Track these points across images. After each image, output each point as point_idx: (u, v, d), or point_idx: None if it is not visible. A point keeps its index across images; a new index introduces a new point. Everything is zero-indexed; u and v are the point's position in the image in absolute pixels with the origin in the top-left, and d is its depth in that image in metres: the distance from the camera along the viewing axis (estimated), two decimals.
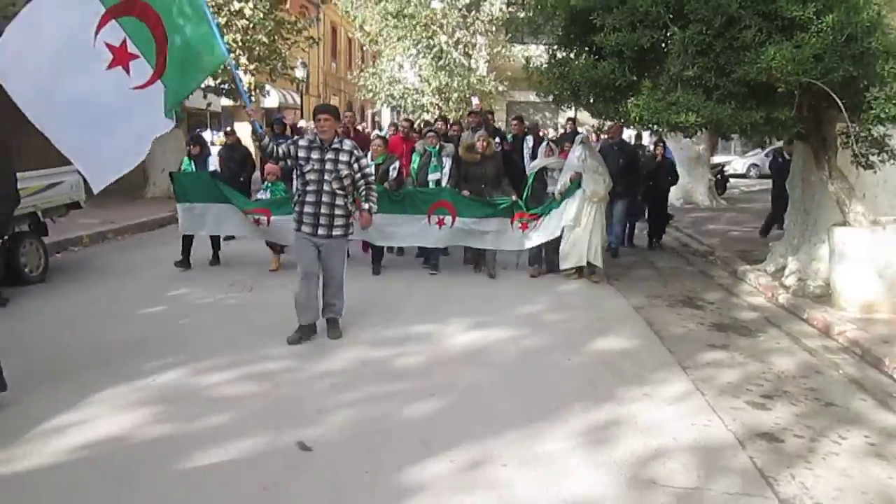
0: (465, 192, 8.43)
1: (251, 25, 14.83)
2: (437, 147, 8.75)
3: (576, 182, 8.06)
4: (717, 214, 14.60)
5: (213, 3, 14.12)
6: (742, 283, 8.47)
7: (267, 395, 4.71)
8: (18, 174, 5.35)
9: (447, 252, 9.11)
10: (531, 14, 7.18)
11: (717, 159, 24.33)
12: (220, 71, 15.13)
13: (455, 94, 24.67)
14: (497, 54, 26.94)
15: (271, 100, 24.67)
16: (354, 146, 5.77)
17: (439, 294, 7.65)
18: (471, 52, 25.47)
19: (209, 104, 17.56)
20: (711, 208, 15.70)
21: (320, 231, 5.66)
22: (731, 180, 23.88)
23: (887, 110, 6.01)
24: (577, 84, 6.84)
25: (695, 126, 6.20)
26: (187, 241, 8.81)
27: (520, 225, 8.37)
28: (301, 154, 5.65)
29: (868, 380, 5.24)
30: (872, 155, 6.93)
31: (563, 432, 4.16)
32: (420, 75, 25.16)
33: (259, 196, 8.99)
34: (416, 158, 9.00)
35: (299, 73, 21.25)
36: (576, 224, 8.05)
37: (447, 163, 8.64)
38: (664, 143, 11.31)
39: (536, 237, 8.38)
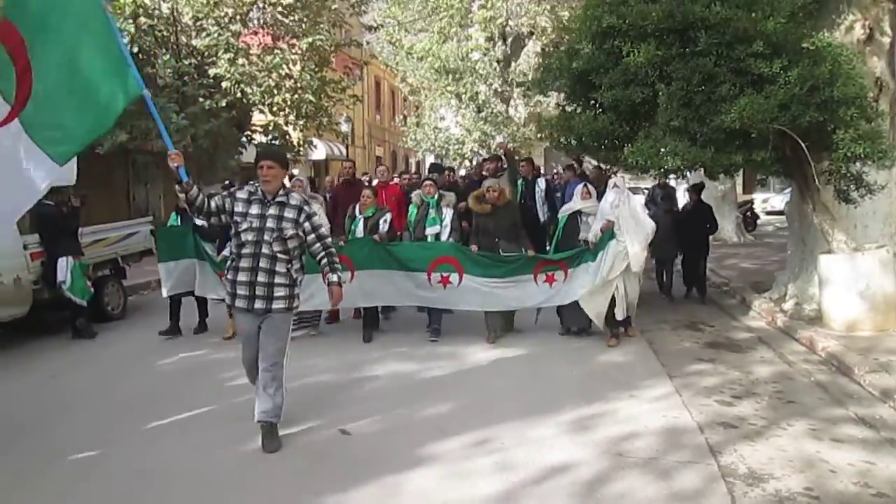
0: (474, 248, 7.55)
1: (299, 86, 16.24)
2: (436, 197, 7.91)
3: (608, 232, 7.15)
4: (741, 250, 15.27)
5: (264, 67, 15.59)
6: (746, 310, 9.22)
7: None
8: (101, 226, 6.53)
9: (450, 311, 7.99)
10: (540, 75, 8.22)
11: (757, 196, 24.94)
12: (271, 127, 16.62)
13: (492, 142, 25.89)
14: (537, 102, 28.17)
15: (319, 152, 26.26)
16: (304, 201, 4.80)
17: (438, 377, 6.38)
18: (509, 101, 26.75)
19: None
20: (738, 244, 16.36)
21: (257, 304, 4.63)
22: (769, 217, 24.45)
23: (853, 150, 6.85)
24: (581, 134, 7.83)
25: (680, 169, 7.12)
26: (174, 305, 8.23)
27: (545, 278, 7.45)
28: (238, 209, 4.66)
29: (834, 384, 6.00)
30: (852, 191, 7.74)
31: (554, 421, 5.07)
32: (461, 125, 26.51)
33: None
34: (412, 210, 8.25)
35: (344, 127, 22.69)
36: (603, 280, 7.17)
37: (448, 214, 7.81)
38: (696, 189, 10.33)
39: (570, 292, 7.38)
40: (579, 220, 7.65)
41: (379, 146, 37.50)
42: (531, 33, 24.95)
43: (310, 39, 15.85)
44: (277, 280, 4.65)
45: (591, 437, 4.77)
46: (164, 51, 14.99)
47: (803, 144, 6.79)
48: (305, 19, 16.16)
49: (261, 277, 4.62)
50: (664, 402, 5.51)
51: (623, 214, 7.19)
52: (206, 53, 15.28)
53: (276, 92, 15.89)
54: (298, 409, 5.31)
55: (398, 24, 23.97)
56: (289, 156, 20.37)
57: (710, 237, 15.82)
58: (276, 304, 4.66)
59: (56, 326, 8.51)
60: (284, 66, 16.18)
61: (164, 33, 15.29)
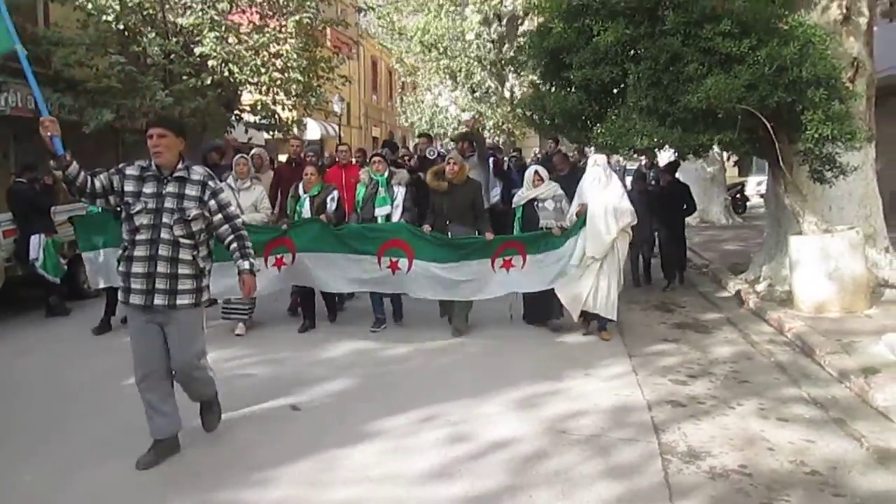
0: (426, 228, 6.92)
1: (287, 65, 16.15)
2: (385, 174, 7.28)
3: (582, 217, 6.64)
4: (728, 232, 15.26)
5: (252, 46, 15.51)
6: (721, 291, 9.23)
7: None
8: (76, 204, 6.54)
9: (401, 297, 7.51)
10: (515, 53, 8.18)
11: (751, 179, 24.83)
12: (259, 107, 16.57)
13: (490, 122, 25.80)
14: (531, 83, 27.97)
15: (313, 132, 26.18)
16: (208, 175, 4.16)
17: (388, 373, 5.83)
18: (504, 82, 26.62)
19: (250, 138, 18.95)
20: (726, 226, 16.35)
21: (158, 300, 3.96)
22: (761, 199, 24.35)
23: (821, 131, 6.82)
24: (553, 113, 7.80)
25: (649, 149, 7.10)
26: (110, 297, 7.44)
27: (502, 263, 6.83)
28: (129, 188, 3.98)
29: (794, 365, 6.01)
30: (825, 171, 7.71)
31: (505, 399, 5.10)
32: (457, 104, 26.42)
33: None
34: (360, 189, 7.58)
35: (336, 107, 22.60)
36: (582, 268, 6.67)
37: (399, 193, 7.24)
38: (671, 167, 9.97)
39: (527, 281, 6.85)
40: (536, 208, 7.08)
41: (375, 126, 37.38)
42: (526, 13, 24.81)
43: (297, 18, 15.71)
44: (182, 270, 3.99)
45: (538, 414, 4.79)
46: (149, 29, 14.88)
47: (769, 125, 6.77)
48: None
49: (161, 268, 3.94)
50: (619, 380, 5.53)
51: (599, 196, 6.60)
52: (193, 32, 15.17)
53: (263, 71, 15.79)
54: (250, 389, 5.34)
55: (391, 5, 23.79)
56: (278, 135, 20.56)
57: (689, 218, 16.11)
58: (182, 300, 4.00)
59: (30, 303, 8.55)
60: (272, 45, 16.08)
61: (151, 11, 15.18)
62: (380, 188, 7.29)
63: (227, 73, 15.50)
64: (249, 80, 15.95)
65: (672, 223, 9.50)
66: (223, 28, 15.34)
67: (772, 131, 6.83)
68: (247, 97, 17.70)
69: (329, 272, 6.95)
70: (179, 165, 4.04)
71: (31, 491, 3.77)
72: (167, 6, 15.26)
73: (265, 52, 15.73)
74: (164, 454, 4.10)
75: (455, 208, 7.05)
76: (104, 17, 13.92)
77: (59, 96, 14.01)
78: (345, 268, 6.93)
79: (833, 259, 7.44)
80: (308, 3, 15.99)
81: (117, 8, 14.09)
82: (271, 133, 18.78)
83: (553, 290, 6.82)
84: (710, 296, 8.94)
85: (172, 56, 15.11)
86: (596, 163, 6.82)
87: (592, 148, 8.76)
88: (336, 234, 6.95)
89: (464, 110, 25.45)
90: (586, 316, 6.82)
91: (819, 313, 7.41)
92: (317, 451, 4.22)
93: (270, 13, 16.42)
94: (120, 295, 4.10)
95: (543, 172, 7.17)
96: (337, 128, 29.59)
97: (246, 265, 4.17)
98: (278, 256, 6.96)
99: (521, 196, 7.21)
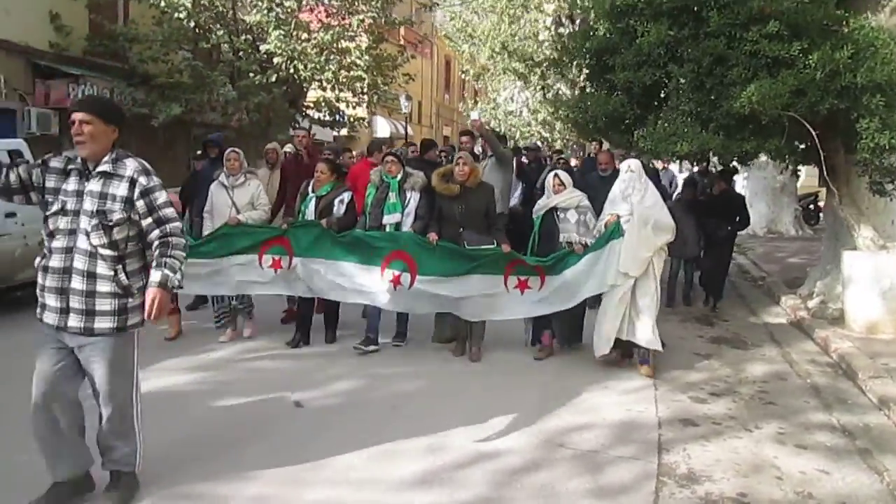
0: (432, 236, 6.11)
1: (351, 62, 16.34)
2: (398, 177, 6.39)
3: (612, 228, 5.89)
4: (795, 244, 14.56)
5: (318, 43, 15.73)
6: (773, 306, 8.80)
7: None
8: None
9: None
10: (559, 54, 8.01)
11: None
12: (322, 103, 16.82)
13: (559, 124, 25.43)
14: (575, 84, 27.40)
15: (382, 129, 26.47)
16: (141, 170, 3.36)
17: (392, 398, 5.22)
18: (576, 85, 26.22)
19: (314, 134, 19.21)
20: (794, 237, 15.62)
21: (72, 322, 3.28)
22: None
23: (877, 140, 6.39)
24: (595, 116, 7.59)
25: (691, 154, 6.82)
26: None
27: (516, 283, 6.12)
28: (50, 183, 3.33)
29: (830, 388, 5.67)
30: (887, 183, 7.25)
31: (511, 407, 4.95)
32: (528, 106, 26.16)
33: None
34: (370, 191, 6.64)
35: (404, 105, 22.73)
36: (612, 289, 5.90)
37: (413, 199, 6.37)
38: (726, 175, 9.19)
39: (543, 305, 6.15)
40: (556, 219, 6.25)
41: (447, 125, 37.53)
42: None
43: (361, 17, 15.87)
44: (101, 287, 3.27)
45: (540, 425, 4.65)
46: (218, 26, 15.31)
47: (814, 133, 6.38)
48: None
49: (76, 283, 3.25)
50: (635, 395, 5.32)
51: (634, 206, 5.88)
52: (260, 29, 15.53)
53: (327, 68, 16.01)
54: (255, 383, 5.41)
55: (465, 4, 23.74)
56: (344, 132, 20.74)
57: (757, 228, 15.41)
58: (101, 323, 3.29)
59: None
60: (337, 43, 16.28)
61: (222, 9, 15.60)
62: (390, 193, 6.37)
63: (292, 70, 15.81)
64: (313, 77, 16.21)
65: (719, 237, 8.53)
66: (292, 25, 15.65)
67: (817, 139, 6.44)
68: (313, 94, 17.98)
69: (329, 280, 6.24)
70: (106, 158, 3.29)
71: (30, 471, 3.86)
72: (238, 3, 15.65)
73: (329, 50, 15.93)
74: (66, 496, 3.43)
75: (468, 215, 6.24)
76: (177, 15, 14.38)
77: (131, 90, 14.60)
78: (349, 276, 6.21)
79: (888, 277, 6.98)
80: (374, 2, 16.12)
81: (188, 5, 14.52)
82: (336, 130, 19.06)
83: (583, 307, 6.30)
84: (758, 310, 8.53)
85: (241, 53, 15.52)
86: (630, 168, 6.05)
87: (622, 153, 8.40)
88: (338, 241, 6.24)
89: (534, 111, 25.15)
90: (620, 345, 5.95)
91: (871, 334, 6.97)
92: (307, 450, 4.20)
93: (336, 11, 16.62)
94: (38, 311, 3.38)
95: (566, 177, 6.34)
96: (409, 126, 29.86)
97: (157, 276, 3.26)
98: (276, 258, 6.32)
99: (541, 205, 6.40)
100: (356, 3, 16.51)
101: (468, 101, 29.87)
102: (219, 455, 4.12)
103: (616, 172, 6.97)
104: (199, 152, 8.56)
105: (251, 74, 15.18)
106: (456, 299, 6.13)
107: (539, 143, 19.56)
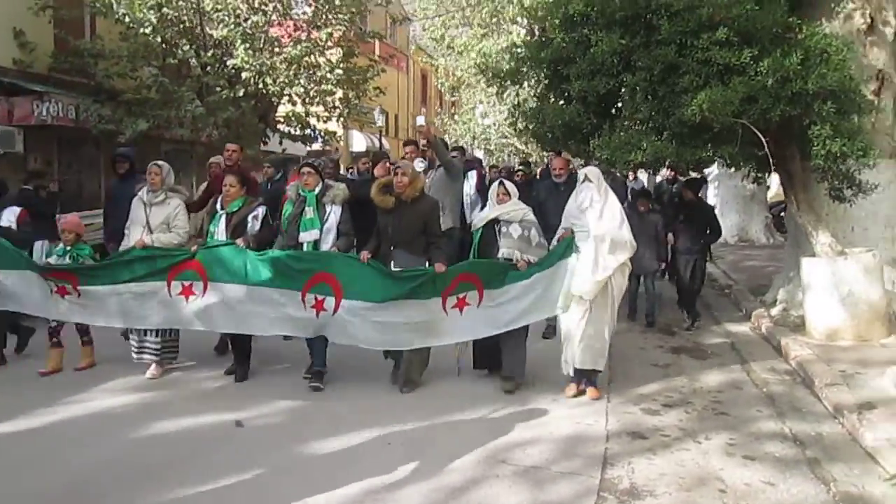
0: (364, 255, 5.54)
1: (320, 76, 16.26)
2: (317, 190, 5.78)
3: (564, 244, 5.50)
4: (766, 252, 14.59)
5: (286, 58, 15.62)
6: (736, 314, 8.77)
7: None
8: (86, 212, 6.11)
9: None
10: (513, 65, 7.96)
11: None
12: (292, 118, 16.71)
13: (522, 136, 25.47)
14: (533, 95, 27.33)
15: (359, 144, 26.41)
16: None
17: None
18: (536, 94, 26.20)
19: (284, 149, 19.11)
20: (765, 245, 15.66)
21: None
22: None
23: (829, 147, 6.38)
24: (553, 126, 7.53)
25: (645, 163, 6.77)
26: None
27: (455, 303, 5.49)
28: None
29: (786, 396, 5.61)
30: (845, 189, 7.25)
31: (458, 422, 4.86)
32: (498, 121, 26.23)
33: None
34: (287, 208, 5.95)
35: (378, 119, 22.69)
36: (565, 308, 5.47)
37: (333, 214, 5.75)
38: (692, 185, 8.67)
39: (479, 326, 5.56)
40: (497, 232, 5.65)
41: (424, 140, 37.46)
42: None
43: (329, 30, 15.82)
44: None
45: (485, 441, 4.53)
46: (185, 41, 15.18)
47: (764, 140, 6.35)
48: (323, 9, 16.11)
49: None
50: (586, 408, 5.23)
51: (591, 221, 5.36)
52: (227, 44, 15.42)
53: (297, 82, 15.93)
54: (194, 403, 5.27)
55: (434, 18, 23.76)
56: (316, 146, 20.63)
57: (728, 237, 15.41)
58: None
59: None
60: (308, 57, 16.21)
61: (188, 24, 15.49)
62: (307, 208, 5.72)
63: (261, 85, 15.71)
64: (281, 91, 16.11)
65: (693, 251, 8.12)
66: (261, 41, 15.57)
67: (767, 146, 6.42)
68: (283, 109, 17.87)
69: (248, 308, 5.56)
70: None
71: None
72: (205, 18, 15.54)
73: (297, 65, 15.85)
74: None
75: (402, 231, 5.58)
76: (142, 30, 14.26)
77: (97, 107, 14.43)
78: (269, 303, 5.54)
79: (846, 283, 6.95)
80: (341, 16, 16.07)
81: (154, 21, 14.41)
82: (308, 144, 18.96)
83: (505, 337, 5.62)
84: (722, 319, 8.48)
85: (208, 68, 15.39)
86: (587, 177, 5.49)
87: (582, 162, 8.35)
88: (255, 262, 5.53)
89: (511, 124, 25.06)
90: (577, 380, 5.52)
91: (831, 341, 6.93)
92: (240, 471, 4.07)
93: (304, 26, 16.55)
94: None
95: (511, 187, 5.82)
96: (385, 140, 29.81)
97: None
98: (185, 284, 5.64)
99: (482, 216, 5.83)
100: (325, 17, 16.46)
101: (443, 115, 29.90)
102: (152, 475, 3.98)
103: (572, 179, 6.84)
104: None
105: (219, 89, 15.06)
106: (390, 325, 5.45)
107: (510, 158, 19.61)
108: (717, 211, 17.18)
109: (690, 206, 8.42)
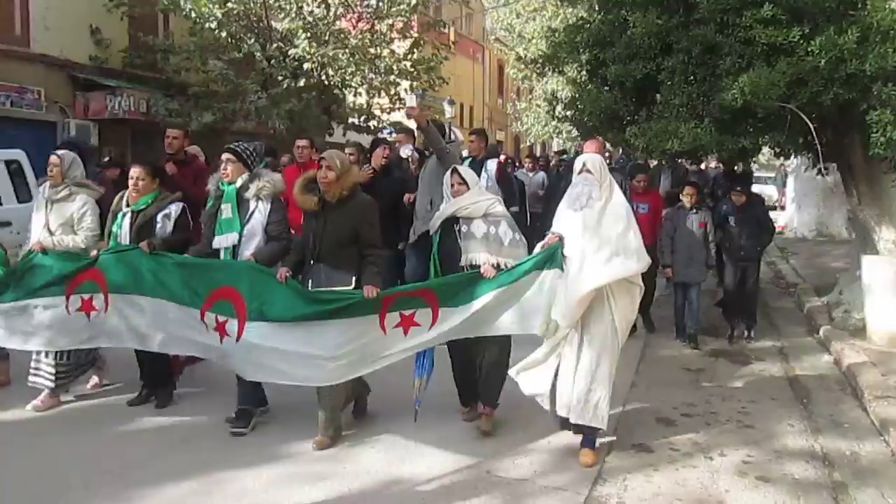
0: (282, 273, 4.30)
1: (385, 67, 16.20)
2: (239, 182, 4.56)
3: (551, 249, 4.18)
4: (844, 248, 13.56)
5: (348, 48, 15.61)
6: (796, 315, 8.13)
7: None
8: None
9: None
10: (552, 49, 7.59)
11: None
12: (354, 108, 16.71)
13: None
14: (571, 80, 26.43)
15: None
16: None
17: None
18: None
19: (348, 140, 19.19)
20: (846, 241, 14.59)
21: None
22: None
23: (889, 133, 5.75)
24: (591, 114, 7.14)
25: (683, 153, 6.31)
26: None
27: (398, 320, 4.27)
28: None
29: (827, 408, 5.10)
30: None
31: (453, 427, 4.54)
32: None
33: None
34: (209, 205, 4.73)
35: (447, 110, 22.50)
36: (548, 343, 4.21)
37: (259, 212, 4.56)
38: (739, 178, 8.01)
39: (443, 335, 4.34)
40: (458, 234, 4.44)
41: (500, 130, 37.06)
42: None
43: (390, 20, 15.72)
44: None
45: (474, 449, 4.25)
46: (249, 35, 15.40)
47: (812, 126, 5.78)
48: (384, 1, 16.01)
49: None
50: None
51: (587, 224, 4.06)
52: (289, 36, 15.55)
53: (357, 73, 15.92)
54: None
55: (503, 7, 23.36)
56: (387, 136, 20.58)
57: (805, 231, 14.47)
58: None
59: None
60: (373, 48, 16.18)
61: (254, 18, 15.71)
62: (223, 205, 4.55)
63: (323, 77, 15.78)
64: (343, 83, 16.14)
65: (737, 253, 6.99)
66: (326, 34, 15.64)
67: (816, 134, 5.84)
68: (349, 99, 17.90)
69: (154, 324, 4.63)
70: None
71: None
72: (268, 12, 15.71)
73: (360, 55, 15.82)
74: None
75: (325, 240, 4.32)
76: (208, 25, 14.54)
77: (166, 101, 14.86)
78: (171, 321, 4.56)
79: None
80: (402, 6, 15.90)
81: (219, 16, 14.66)
82: (375, 135, 18.98)
83: (492, 353, 4.49)
84: (777, 319, 7.87)
85: (272, 60, 15.58)
86: (586, 167, 4.24)
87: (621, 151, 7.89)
88: (155, 271, 4.58)
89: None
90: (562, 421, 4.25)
91: (892, 347, 6.30)
92: (211, 471, 3.95)
93: (369, 17, 16.51)
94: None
95: (468, 174, 4.58)
96: (457, 131, 29.58)
97: None
98: (85, 297, 4.75)
99: (437, 214, 4.61)
100: (387, 9, 16.35)
101: (517, 103, 29.51)
102: (108, 478, 3.91)
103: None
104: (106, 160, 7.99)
105: (280, 79, 15.22)
106: (307, 356, 4.24)
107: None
108: (794, 204, 16.35)
109: (742, 205, 7.05)
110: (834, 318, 7.41)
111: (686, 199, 6.87)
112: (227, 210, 4.54)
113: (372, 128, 17.68)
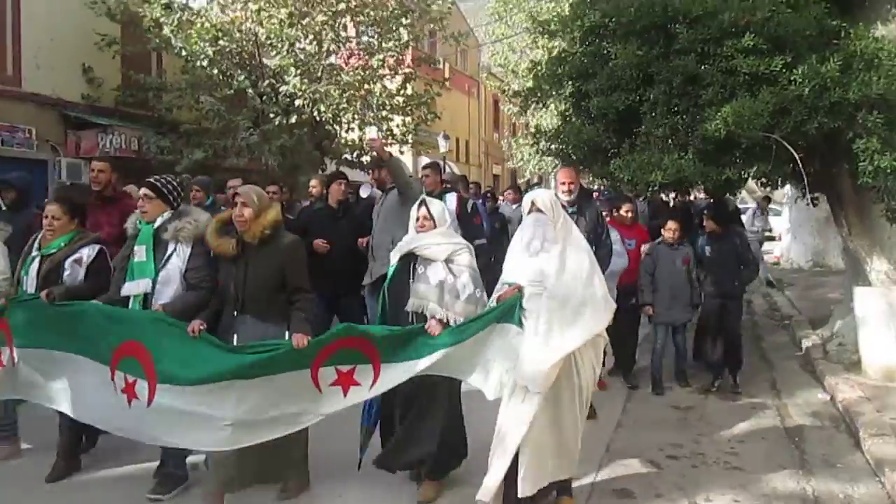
0: (196, 326, 3.70)
1: (377, 103, 16.21)
2: (157, 222, 4.05)
3: (509, 302, 3.69)
4: (840, 279, 13.40)
5: (340, 85, 15.63)
6: (789, 349, 7.94)
7: None
8: None
9: None
10: (534, 83, 7.52)
11: None
12: (346, 144, 16.70)
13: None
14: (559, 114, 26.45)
15: None
16: None
17: None
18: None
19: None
20: (842, 271, 14.42)
21: None
22: None
23: (877, 162, 5.64)
24: (575, 147, 7.04)
25: (665, 185, 6.19)
26: None
27: (335, 378, 3.76)
28: None
29: (820, 447, 4.91)
30: None
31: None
32: None
33: None
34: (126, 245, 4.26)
35: (442, 145, 22.54)
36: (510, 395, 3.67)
37: (177, 255, 4.01)
38: (720, 211, 7.06)
39: (374, 395, 3.91)
40: (413, 274, 4.02)
41: (497, 164, 37.18)
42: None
43: (380, 56, 15.77)
44: None
45: (448, 491, 4.07)
46: (240, 72, 15.44)
47: (797, 156, 5.66)
48: (377, 36, 16.09)
49: None
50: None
51: (549, 271, 3.66)
52: (281, 72, 15.59)
53: (348, 109, 15.93)
54: None
55: (497, 43, 23.55)
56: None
57: (801, 261, 14.32)
58: None
59: None
60: (365, 84, 16.22)
61: (245, 55, 15.77)
62: (137, 247, 4.02)
63: (315, 113, 15.78)
64: (335, 119, 16.14)
65: (710, 288, 6.50)
66: (318, 70, 15.68)
67: (801, 163, 5.73)
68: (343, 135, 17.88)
69: (63, 383, 4.06)
70: None
71: None
72: (260, 50, 15.78)
73: (352, 91, 15.84)
74: None
75: (248, 287, 3.87)
76: (199, 63, 14.58)
77: (157, 138, 14.84)
78: (76, 374, 4.00)
79: None
80: (393, 42, 15.97)
81: (210, 53, 14.71)
82: (368, 171, 18.94)
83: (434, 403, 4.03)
84: (770, 353, 7.69)
85: (263, 97, 15.61)
86: (535, 207, 3.84)
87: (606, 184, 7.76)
88: (59, 321, 4.01)
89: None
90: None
91: (888, 382, 6.12)
92: None
93: (361, 53, 16.57)
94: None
95: (435, 207, 4.12)
96: (454, 166, 29.64)
97: None
98: None
99: (398, 247, 4.16)
100: (379, 44, 16.42)
101: (510, 139, 29.61)
102: None
103: (584, 199, 5.77)
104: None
105: (272, 116, 15.21)
106: (228, 420, 3.64)
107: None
108: (790, 234, 16.20)
109: (716, 235, 6.61)
110: (828, 351, 7.23)
111: (668, 234, 6.49)
112: (140, 253, 3.98)
113: (365, 163, 17.65)
